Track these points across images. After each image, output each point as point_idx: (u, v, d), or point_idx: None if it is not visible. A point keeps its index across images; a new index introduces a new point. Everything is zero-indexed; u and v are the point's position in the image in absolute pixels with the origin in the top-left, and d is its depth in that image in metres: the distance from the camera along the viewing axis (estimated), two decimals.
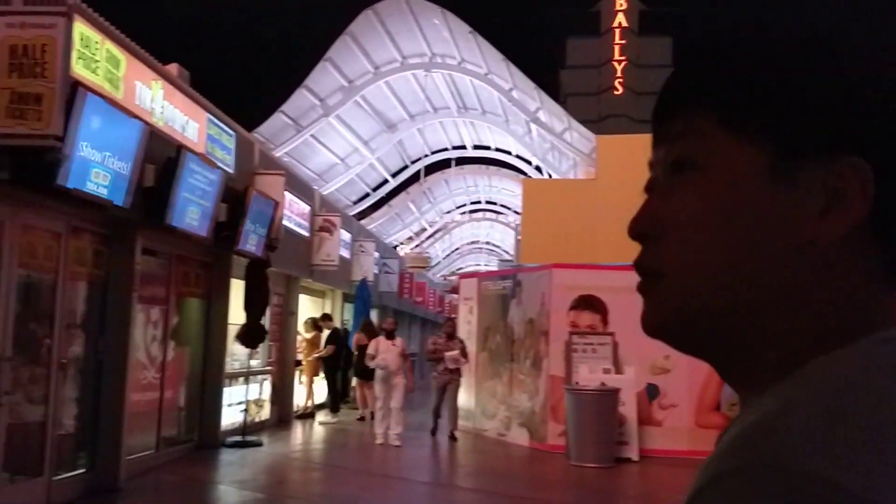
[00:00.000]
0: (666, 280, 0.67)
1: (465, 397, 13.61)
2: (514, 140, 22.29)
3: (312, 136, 19.22)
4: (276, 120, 18.30)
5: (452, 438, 12.85)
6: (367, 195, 25.26)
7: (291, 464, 11.27)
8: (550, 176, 21.74)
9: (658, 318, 0.68)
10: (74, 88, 6.44)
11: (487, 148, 26.07)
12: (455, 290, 18.42)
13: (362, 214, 25.58)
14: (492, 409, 13.93)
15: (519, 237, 21.58)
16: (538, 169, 23.50)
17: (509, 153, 25.77)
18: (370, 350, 12.39)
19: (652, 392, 12.24)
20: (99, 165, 6.94)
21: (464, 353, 13.05)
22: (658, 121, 0.71)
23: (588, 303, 12.41)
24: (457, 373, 12.94)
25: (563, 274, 12.64)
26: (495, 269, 34.49)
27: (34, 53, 6.08)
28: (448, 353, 12.76)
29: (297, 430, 14.39)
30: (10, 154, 6.24)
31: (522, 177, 24.85)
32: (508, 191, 30.71)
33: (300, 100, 18.35)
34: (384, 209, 28.49)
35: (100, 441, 8.55)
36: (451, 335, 13.17)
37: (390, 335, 12.45)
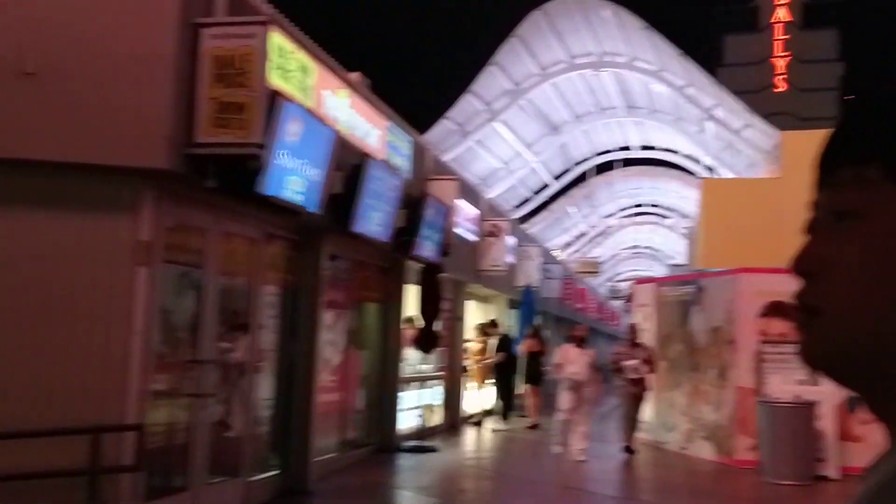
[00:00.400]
0: (825, 317, 0.71)
1: (643, 408, 12.93)
2: (685, 139, 21.46)
3: (476, 140, 19.20)
4: (441, 125, 18.39)
5: (628, 451, 12.21)
6: (527, 199, 25.04)
7: (469, 471, 11.14)
8: (723, 176, 20.75)
9: (816, 352, 0.73)
10: (274, 97, 6.53)
11: (653, 148, 25.29)
12: (628, 297, 17.81)
13: (521, 219, 25.37)
14: (672, 421, 13.33)
15: (691, 240, 20.72)
16: (709, 168, 22.52)
17: (676, 153, 24.88)
18: (557, 359, 11.78)
19: (853, 405, 11.30)
20: (295, 173, 7.02)
21: (648, 362, 12.31)
22: (823, 166, 0.74)
23: (779, 310, 11.60)
24: (640, 383, 12.25)
25: (751, 279, 11.89)
26: (658, 274, 33.44)
27: (237, 64, 6.20)
28: (627, 363, 12.12)
29: (469, 436, 14.29)
30: (215, 163, 6.38)
31: (691, 177, 23.92)
32: (674, 192, 29.68)
33: (466, 104, 18.36)
34: (543, 213, 28.18)
35: (291, 443, 8.70)
36: (634, 342, 12.52)
37: (580, 343, 11.83)
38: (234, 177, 6.59)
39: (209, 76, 6.18)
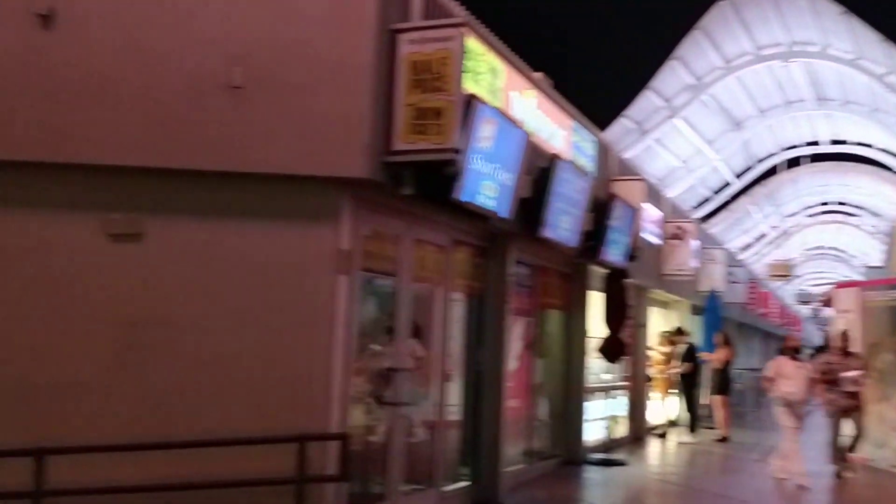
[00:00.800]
0: None
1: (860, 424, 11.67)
2: (882, 131, 19.81)
3: (655, 139, 18.54)
4: (618, 124, 17.84)
5: (839, 475, 11.05)
6: (706, 199, 23.96)
7: (663, 487, 10.58)
8: None
9: None
10: (469, 101, 6.37)
11: (844, 142, 23.55)
12: (825, 302, 16.58)
13: (700, 220, 24.26)
14: (881, 437, 12.20)
15: (891, 240, 19.08)
16: None
17: (871, 146, 23.05)
18: (770, 373, 10.51)
19: None
20: (489, 178, 6.85)
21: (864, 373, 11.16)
22: None
23: None
24: (856, 397, 11.12)
25: None
26: (845, 277, 31.25)
27: (434, 68, 6.08)
28: (846, 374, 11.00)
29: (655, 448, 13.68)
30: (412, 169, 6.30)
31: (887, 173, 22.09)
32: (865, 189, 27.59)
33: (645, 101, 17.74)
34: (722, 214, 26.87)
35: (481, 454, 8.54)
36: (846, 351, 11.41)
37: (796, 355, 10.56)
38: (430, 183, 6.49)
39: (407, 82, 6.10)
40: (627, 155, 18.11)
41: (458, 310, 8.46)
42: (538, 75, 9.46)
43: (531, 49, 8.48)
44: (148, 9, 6.00)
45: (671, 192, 20.33)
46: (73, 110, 5.82)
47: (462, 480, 8.34)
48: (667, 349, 15.11)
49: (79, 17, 5.86)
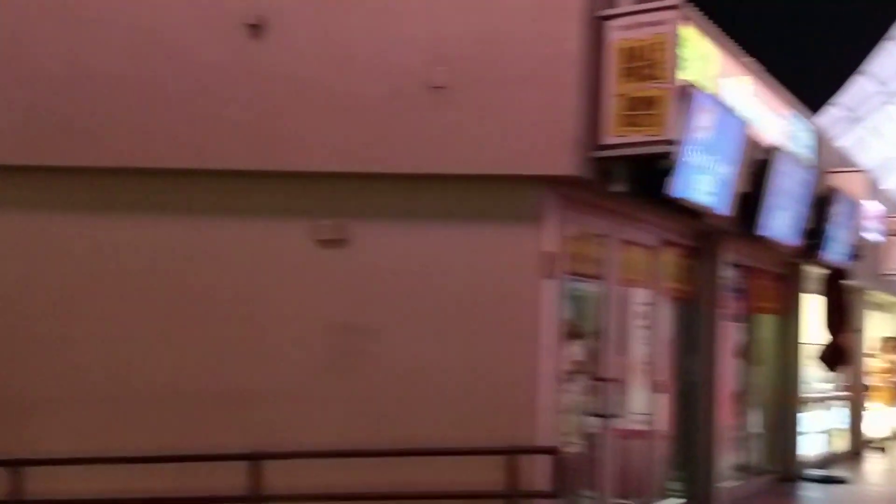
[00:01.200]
0: None
1: None
2: None
3: (868, 127, 17.01)
4: (826, 113, 16.47)
5: None
6: None
7: None
8: None
9: None
10: (686, 89, 5.88)
11: None
12: None
13: None
14: None
15: None
16: None
17: None
18: None
19: None
20: (706, 171, 6.32)
21: None
22: None
23: None
24: None
25: None
26: None
27: (646, 55, 5.64)
28: None
29: (878, 465, 12.42)
30: (623, 164, 5.89)
31: None
32: None
33: (857, 87, 16.31)
34: None
35: (694, 468, 7.99)
36: None
37: None
38: (639, 179, 6.06)
39: (617, 71, 5.71)
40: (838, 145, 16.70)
41: (665, 314, 7.94)
42: (749, 60, 8.76)
43: (729, 31, 7.78)
44: (350, 13, 5.90)
45: (886, 185, 18.59)
46: (281, 118, 5.82)
47: (673, 496, 7.82)
48: (893, 356, 13.74)
49: (286, 25, 5.85)
